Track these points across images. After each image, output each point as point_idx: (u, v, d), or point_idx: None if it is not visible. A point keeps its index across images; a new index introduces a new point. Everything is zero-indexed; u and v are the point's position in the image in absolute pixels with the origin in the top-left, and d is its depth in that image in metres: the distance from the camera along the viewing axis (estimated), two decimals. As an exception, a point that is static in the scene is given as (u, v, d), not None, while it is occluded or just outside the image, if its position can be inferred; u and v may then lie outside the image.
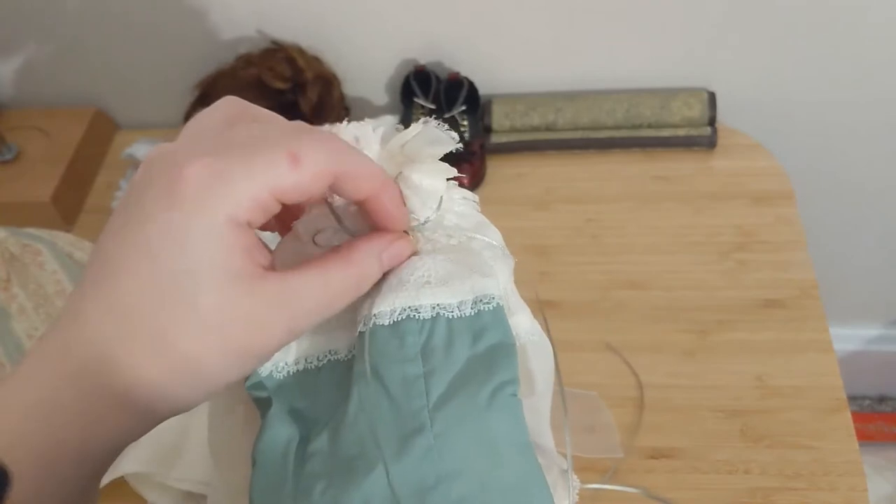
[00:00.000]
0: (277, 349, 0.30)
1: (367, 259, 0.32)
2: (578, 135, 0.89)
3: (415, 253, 0.35)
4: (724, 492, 0.64)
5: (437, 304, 0.33)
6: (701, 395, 0.69)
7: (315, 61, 0.89)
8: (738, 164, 0.86)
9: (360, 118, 0.95)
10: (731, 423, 0.67)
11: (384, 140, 0.36)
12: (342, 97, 0.92)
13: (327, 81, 0.89)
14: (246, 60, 0.89)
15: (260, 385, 0.34)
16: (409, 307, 0.33)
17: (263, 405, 0.34)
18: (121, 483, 0.64)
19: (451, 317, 0.33)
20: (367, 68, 0.93)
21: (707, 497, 0.63)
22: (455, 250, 0.35)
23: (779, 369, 0.70)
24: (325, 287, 0.31)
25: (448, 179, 0.36)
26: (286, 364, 0.35)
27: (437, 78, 0.90)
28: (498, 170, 0.89)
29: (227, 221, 0.28)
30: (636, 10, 0.85)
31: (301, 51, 0.89)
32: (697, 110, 0.87)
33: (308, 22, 0.90)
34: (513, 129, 0.90)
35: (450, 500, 0.30)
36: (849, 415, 0.67)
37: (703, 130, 0.87)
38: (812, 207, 0.88)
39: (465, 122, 0.89)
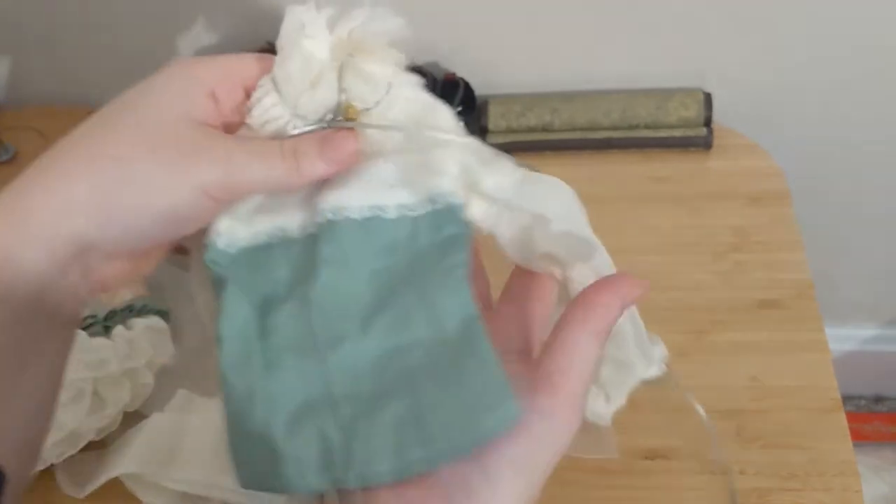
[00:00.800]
0: (206, 182, 0.34)
1: (302, 145, 0.36)
2: (575, 135, 0.89)
3: (359, 150, 0.37)
4: (720, 492, 0.64)
5: (401, 205, 0.36)
6: (696, 395, 0.69)
7: (311, 62, 0.89)
8: (734, 165, 0.86)
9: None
10: (727, 423, 0.67)
11: (330, 23, 0.38)
12: (339, 98, 0.91)
13: (323, 82, 0.89)
14: (242, 61, 0.89)
15: (215, 259, 0.36)
16: (377, 205, 0.35)
17: (219, 285, 0.36)
18: (116, 483, 0.64)
19: (413, 216, 0.36)
20: (363, 69, 0.93)
21: (702, 498, 0.64)
22: (407, 151, 0.37)
23: (774, 370, 0.70)
24: (260, 155, 0.35)
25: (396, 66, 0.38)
26: (239, 238, 0.36)
27: (433, 78, 0.90)
28: (494, 170, 0.89)
29: (197, 86, 0.35)
30: (632, 11, 0.85)
31: (297, 51, 0.89)
32: (693, 111, 0.87)
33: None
34: (509, 130, 0.90)
35: (405, 369, 0.33)
36: (843, 415, 0.67)
37: (699, 131, 0.87)
38: (809, 208, 0.88)
39: (461, 123, 0.89)
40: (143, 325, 0.69)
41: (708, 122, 0.87)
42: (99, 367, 0.64)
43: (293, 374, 0.34)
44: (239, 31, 0.91)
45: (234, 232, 0.36)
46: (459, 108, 0.89)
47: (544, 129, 0.90)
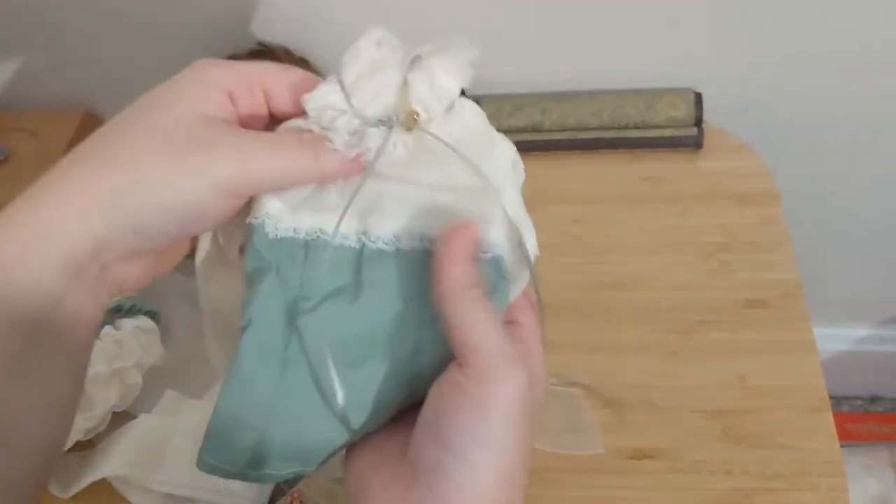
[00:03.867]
0: (220, 177, 0.33)
1: (309, 145, 0.35)
2: (564, 136, 0.89)
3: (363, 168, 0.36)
4: (705, 492, 0.64)
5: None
6: (683, 395, 0.69)
7: (301, 62, 0.89)
8: (723, 165, 0.86)
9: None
10: (713, 423, 0.67)
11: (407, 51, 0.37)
12: (329, 98, 0.92)
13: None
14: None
15: (259, 241, 0.36)
16: (426, 237, 0.35)
17: (257, 267, 0.36)
18: (103, 483, 0.64)
19: None
20: (354, 69, 0.94)
21: (688, 498, 0.64)
22: (454, 183, 0.36)
23: (761, 369, 0.70)
24: (275, 146, 0.35)
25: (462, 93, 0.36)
26: (283, 226, 0.36)
27: (424, 79, 0.90)
28: (485, 171, 0.89)
29: (212, 84, 0.35)
30: (622, 11, 0.85)
31: (288, 52, 0.89)
32: (683, 111, 0.87)
33: (295, 23, 0.90)
34: (499, 130, 0.89)
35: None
36: (830, 415, 0.67)
37: (689, 131, 0.87)
38: (800, 208, 0.88)
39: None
40: (133, 325, 0.69)
41: (698, 122, 0.87)
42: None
43: (305, 382, 0.34)
44: (231, 32, 0.92)
45: (281, 217, 0.36)
46: (450, 109, 0.89)
47: (534, 129, 0.90)
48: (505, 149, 0.37)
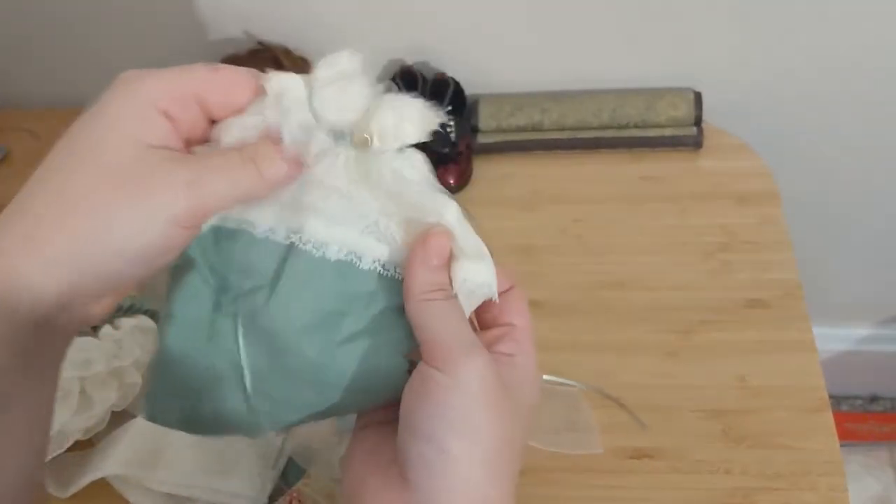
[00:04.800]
0: (173, 214, 0.33)
1: (261, 147, 0.35)
2: (565, 135, 0.89)
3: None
4: (705, 492, 0.64)
5: (376, 260, 0.36)
6: (683, 395, 0.69)
7: (301, 62, 0.89)
8: (723, 165, 0.86)
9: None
10: (713, 423, 0.67)
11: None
12: (329, 98, 0.91)
13: (313, 82, 0.89)
14: (232, 61, 0.89)
15: None
16: (354, 252, 0.35)
17: (183, 259, 0.36)
18: (103, 484, 0.64)
19: (384, 275, 0.36)
20: (354, 69, 0.93)
21: (688, 497, 0.64)
22: (391, 210, 0.36)
23: (761, 369, 0.70)
24: (221, 170, 0.34)
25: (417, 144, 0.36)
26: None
27: (424, 78, 0.90)
28: (484, 170, 0.89)
29: (148, 106, 0.34)
30: (622, 11, 0.85)
31: (287, 52, 0.89)
32: (683, 110, 0.87)
33: (294, 23, 0.90)
34: (499, 130, 0.90)
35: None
36: (830, 415, 0.67)
37: (688, 130, 0.87)
38: (801, 208, 0.88)
39: (452, 123, 0.89)
40: (131, 324, 0.69)
41: (698, 122, 0.87)
42: (86, 367, 0.64)
43: (224, 369, 0.36)
44: (231, 32, 0.92)
45: None
46: (449, 108, 0.89)
47: (534, 129, 0.90)
48: (449, 204, 0.37)
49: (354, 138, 0.36)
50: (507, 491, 0.33)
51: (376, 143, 0.36)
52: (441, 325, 0.34)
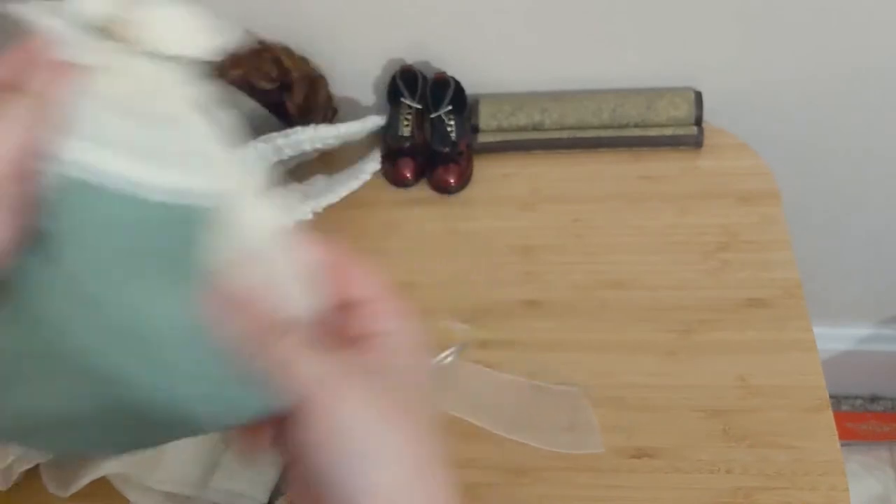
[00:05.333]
0: None
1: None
2: (565, 135, 0.89)
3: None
4: (705, 491, 0.64)
5: (154, 185, 0.29)
6: (683, 394, 0.69)
7: (302, 61, 0.89)
8: (724, 164, 0.86)
9: (347, 118, 0.94)
10: (713, 422, 0.67)
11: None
12: (329, 97, 0.92)
13: (314, 82, 0.89)
14: (232, 60, 0.89)
15: None
16: (131, 179, 0.29)
17: None
18: (103, 483, 0.64)
19: (162, 202, 0.29)
20: (354, 68, 0.94)
21: (688, 497, 0.64)
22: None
23: (761, 369, 0.70)
24: None
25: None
26: None
27: (424, 77, 0.90)
28: (485, 170, 0.89)
29: None
30: (623, 10, 0.85)
31: (288, 51, 0.89)
32: (684, 110, 0.87)
33: (295, 22, 0.90)
34: (499, 129, 0.90)
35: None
36: (831, 414, 0.67)
37: (689, 130, 0.87)
38: (801, 207, 0.88)
39: (452, 122, 0.89)
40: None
41: (698, 122, 0.87)
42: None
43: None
44: (231, 32, 0.91)
45: None
46: (450, 107, 0.89)
47: (534, 129, 0.90)
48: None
49: (120, 29, 0.31)
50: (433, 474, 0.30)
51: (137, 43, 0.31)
52: (302, 362, 0.29)
